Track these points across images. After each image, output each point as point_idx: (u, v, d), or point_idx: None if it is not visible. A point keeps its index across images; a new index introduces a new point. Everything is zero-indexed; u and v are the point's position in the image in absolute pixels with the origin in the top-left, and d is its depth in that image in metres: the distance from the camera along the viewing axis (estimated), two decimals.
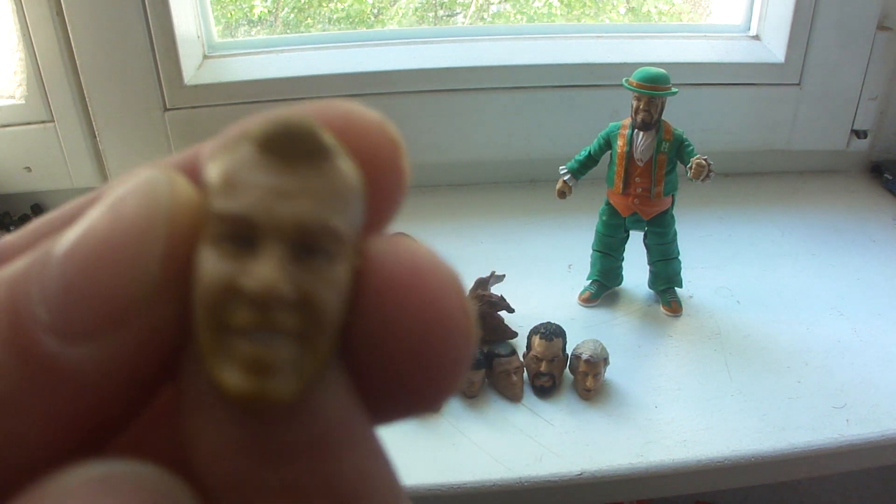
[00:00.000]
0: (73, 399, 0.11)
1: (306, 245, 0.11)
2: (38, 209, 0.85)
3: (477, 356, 0.59)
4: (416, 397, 0.13)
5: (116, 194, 0.12)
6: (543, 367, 0.59)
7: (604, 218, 0.67)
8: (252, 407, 0.11)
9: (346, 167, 0.12)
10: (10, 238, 0.14)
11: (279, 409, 0.11)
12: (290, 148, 0.12)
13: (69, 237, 0.12)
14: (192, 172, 0.13)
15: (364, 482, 0.12)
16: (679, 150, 0.63)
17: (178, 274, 0.12)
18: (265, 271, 0.11)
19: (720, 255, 0.76)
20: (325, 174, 0.12)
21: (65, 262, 0.11)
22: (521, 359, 0.60)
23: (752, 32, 0.89)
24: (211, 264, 0.11)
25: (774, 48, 0.85)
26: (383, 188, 0.13)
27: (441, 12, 0.99)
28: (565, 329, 0.60)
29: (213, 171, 0.12)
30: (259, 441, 0.11)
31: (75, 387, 0.11)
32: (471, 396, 0.59)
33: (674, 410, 0.57)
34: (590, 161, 0.66)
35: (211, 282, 0.11)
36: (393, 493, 0.12)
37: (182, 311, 0.12)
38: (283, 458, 0.11)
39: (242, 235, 0.11)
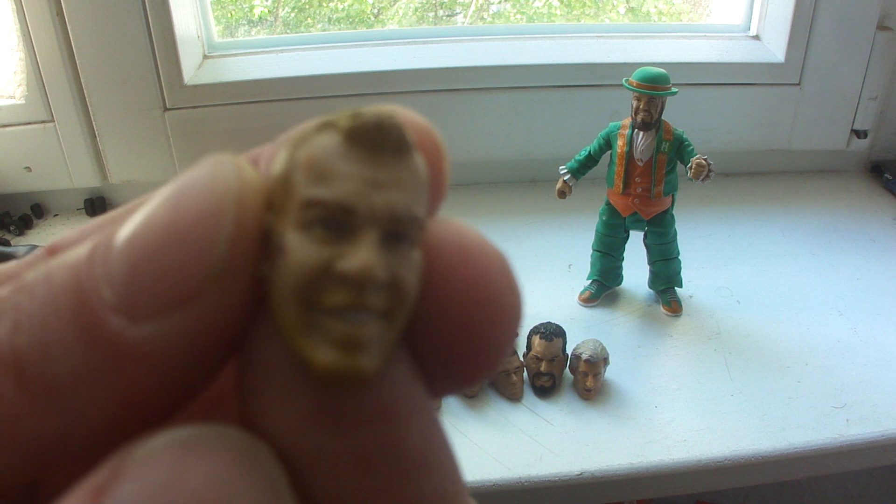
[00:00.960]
0: (139, 377, 0.12)
1: (395, 232, 0.12)
2: (37, 209, 0.85)
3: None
4: (465, 371, 0.13)
5: (184, 178, 0.12)
6: (543, 366, 0.59)
7: (604, 218, 0.67)
8: (339, 381, 0.12)
9: (421, 161, 0.13)
10: (71, 233, 0.14)
11: (362, 382, 0.12)
12: (380, 141, 0.12)
13: (135, 219, 0.12)
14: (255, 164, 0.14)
15: (428, 448, 0.13)
16: (679, 149, 0.63)
17: (247, 254, 0.12)
18: (364, 255, 0.12)
19: (720, 254, 0.76)
20: (409, 167, 0.13)
21: (130, 243, 0.12)
22: (522, 359, 0.60)
23: (752, 32, 0.89)
24: (303, 247, 0.12)
25: (774, 48, 0.85)
26: (432, 184, 0.14)
27: (441, 12, 0.99)
28: (565, 329, 0.60)
29: (300, 156, 0.12)
30: (333, 412, 0.12)
31: (141, 365, 0.12)
32: (471, 396, 0.59)
33: (674, 410, 0.57)
34: (590, 161, 0.66)
35: (304, 263, 0.12)
36: (451, 461, 0.13)
37: (250, 290, 0.12)
38: (355, 427, 0.12)
39: (337, 221, 0.12)
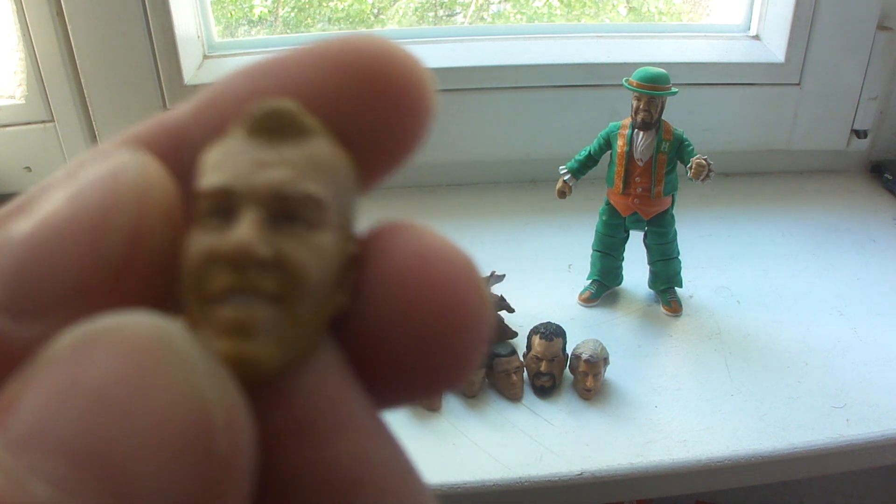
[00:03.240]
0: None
1: (286, 212, 0.12)
2: None
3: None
4: (425, 384, 0.13)
5: (85, 174, 0.12)
6: (543, 366, 0.59)
7: (604, 218, 0.67)
8: (238, 373, 0.11)
9: (329, 146, 0.12)
10: None
11: (266, 377, 0.11)
12: (272, 127, 0.12)
13: (31, 219, 0.12)
14: (169, 141, 0.13)
15: (363, 468, 0.11)
16: (679, 149, 0.63)
17: (152, 254, 0.11)
18: (239, 232, 0.11)
19: (720, 254, 0.76)
20: (303, 148, 0.12)
21: (22, 243, 0.11)
22: (522, 359, 0.60)
23: (752, 32, 0.89)
24: (193, 241, 0.12)
25: (774, 48, 0.85)
26: (412, 122, 0.13)
27: (441, 12, 0.99)
28: (565, 329, 0.60)
29: (206, 159, 0.12)
30: None
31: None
32: (471, 396, 0.59)
33: (674, 410, 0.57)
34: (590, 161, 0.66)
35: (192, 255, 0.11)
36: (402, 479, 0.12)
37: (161, 294, 0.12)
38: (272, 442, 0.11)
39: (224, 207, 0.12)
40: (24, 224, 0.12)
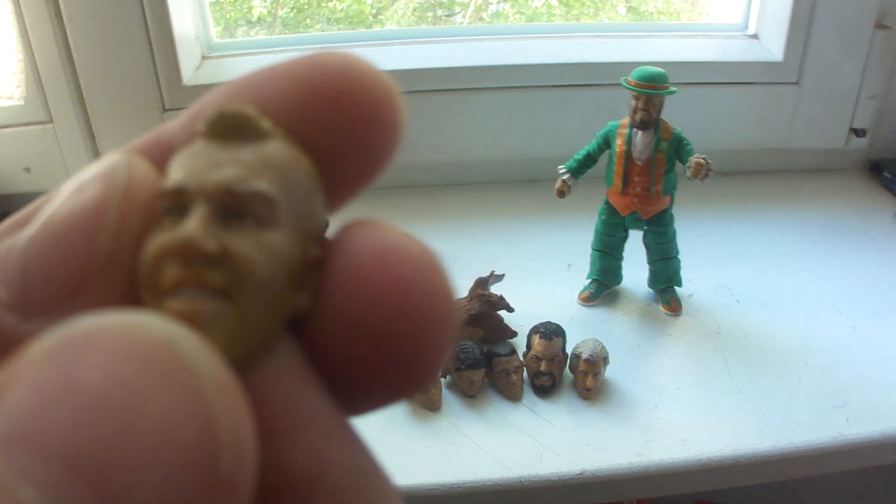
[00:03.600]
0: None
1: (236, 210, 0.12)
2: None
3: (476, 355, 0.59)
4: (389, 387, 0.12)
5: (80, 177, 0.12)
6: (543, 366, 0.59)
7: (603, 217, 0.67)
8: None
9: (284, 148, 0.13)
10: None
11: None
12: (227, 131, 0.13)
13: (35, 223, 0.12)
14: (161, 151, 0.13)
15: (320, 467, 0.11)
16: (678, 149, 0.63)
17: (132, 246, 0.12)
18: (186, 226, 0.12)
19: (719, 254, 0.76)
20: (255, 149, 0.12)
21: (27, 245, 0.12)
22: (521, 358, 0.60)
23: (751, 31, 0.89)
24: (151, 238, 0.12)
25: (773, 47, 0.85)
26: (377, 133, 0.13)
27: (440, 12, 0.99)
28: (565, 328, 0.60)
29: (171, 163, 0.13)
30: None
31: None
32: (471, 396, 0.59)
33: (674, 410, 0.57)
34: (589, 160, 0.66)
35: (148, 250, 0.12)
36: (365, 479, 0.12)
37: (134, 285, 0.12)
38: None
39: (179, 206, 0.12)
40: (29, 229, 0.12)
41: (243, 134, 0.13)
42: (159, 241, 0.12)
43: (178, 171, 0.12)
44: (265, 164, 0.12)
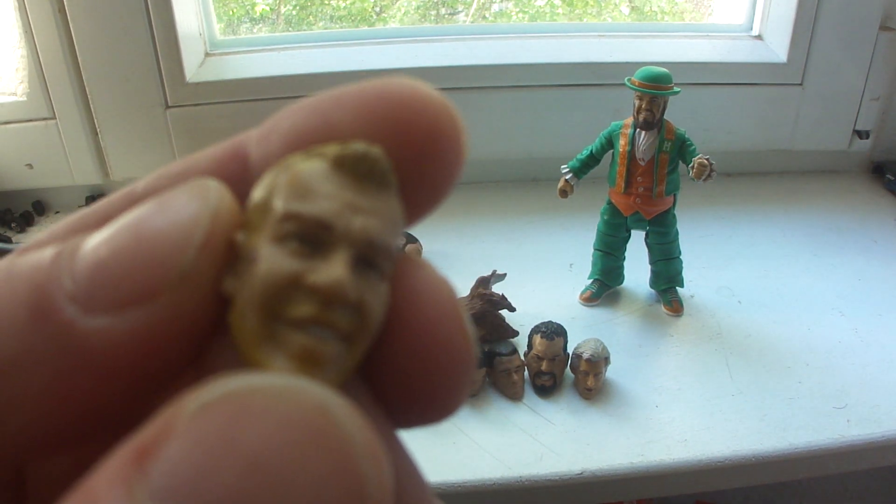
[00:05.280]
0: (82, 370, 0.11)
1: (367, 259, 0.13)
2: (39, 206, 0.85)
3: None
4: (426, 412, 0.14)
5: (167, 195, 0.13)
6: (544, 366, 0.59)
7: (605, 217, 0.67)
8: None
9: (399, 202, 0.13)
10: (41, 236, 0.14)
11: None
12: (365, 171, 0.13)
13: (111, 226, 0.12)
14: (231, 164, 0.14)
15: (399, 483, 0.12)
16: (681, 149, 0.63)
17: (211, 266, 0.12)
18: (337, 270, 0.12)
19: (721, 254, 0.76)
20: (388, 201, 0.13)
21: (101, 245, 0.12)
22: (522, 358, 0.60)
23: (755, 32, 0.89)
24: (276, 258, 0.12)
25: (777, 48, 0.85)
26: (442, 165, 0.14)
27: (443, 11, 0.99)
28: (566, 328, 0.60)
29: (282, 178, 0.13)
30: None
31: (87, 358, 0.11)
32: (471, 395, 0.59)
33: (674, 410, 0.57)
34: (591, 160, 0.66)
35: (275, 273, 0.12)
36: (422, 488, 0.13)
37: (209, 302, 0.12)
38: None
39: (313, 236, 0.12)
40: (105, 231, 0.12)
41: (379, 181, 0.13)
42: (291, 268, 0.12)
43: (310, 200, 0.12)
44: (394, 220, 0.13)
